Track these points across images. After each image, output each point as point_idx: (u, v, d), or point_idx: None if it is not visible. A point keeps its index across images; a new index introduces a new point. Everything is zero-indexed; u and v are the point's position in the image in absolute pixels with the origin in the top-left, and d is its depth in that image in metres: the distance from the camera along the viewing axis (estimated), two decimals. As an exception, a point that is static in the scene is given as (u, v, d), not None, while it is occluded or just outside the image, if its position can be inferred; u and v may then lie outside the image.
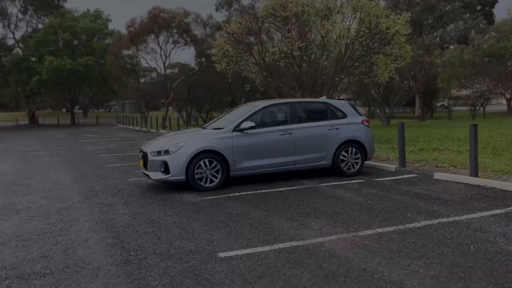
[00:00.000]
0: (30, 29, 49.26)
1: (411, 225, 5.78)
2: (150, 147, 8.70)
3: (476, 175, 8.83)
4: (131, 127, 36.92)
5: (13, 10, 48.64)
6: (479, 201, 6.99)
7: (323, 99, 10.04)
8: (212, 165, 8.36)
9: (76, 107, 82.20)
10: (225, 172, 8.49)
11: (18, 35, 49.68)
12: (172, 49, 32.73)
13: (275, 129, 8.92)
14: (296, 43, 17.25)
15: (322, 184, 8.68)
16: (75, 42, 44.70)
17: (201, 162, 8.28)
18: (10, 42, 49.24)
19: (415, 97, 37.80)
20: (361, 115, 9.87)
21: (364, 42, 18.96)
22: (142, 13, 29.86)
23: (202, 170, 8.29)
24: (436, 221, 5.91)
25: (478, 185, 8.21)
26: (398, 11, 25.33)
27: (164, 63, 33.93)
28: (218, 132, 8.66)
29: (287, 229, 5.77)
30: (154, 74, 44.17)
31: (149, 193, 8.42)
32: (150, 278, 4.29)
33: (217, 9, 43.34)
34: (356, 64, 19.13)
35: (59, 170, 11.86)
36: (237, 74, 21.78)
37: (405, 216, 6.24)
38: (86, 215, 6.81)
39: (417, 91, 36.46)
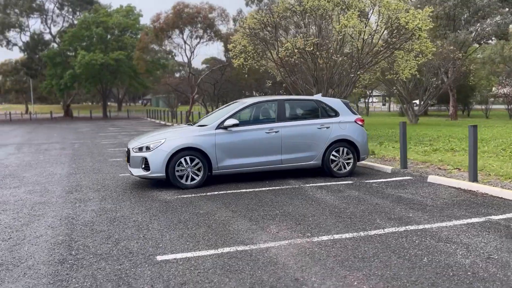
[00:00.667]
0: (66, 24, 50.64)
1: (373, 232, 5.45)
2: (133, 143, 8.64)
3: (475, 180, 8.35)
4: (158, 121, 37.34)
5: (50, 6, 49.92)
6: (462, 207, 6.55)
7: (318, 96, 9.70)
8: (194, 163, 8.22)
9: (112, 100, 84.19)
10: (207, 170, 8.32)
11: (54, 30, 51.13)
12: (197, 44, 32.85)
13: (261, 127, 8.68)
14: (309, 38, 16.86)
15: (307, 185, 8.40)
16: (108, 36, 45.60)
17: (182, 160, 8.16)
18: (47, 37, 50.79)
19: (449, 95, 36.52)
20: (355, 114, 9.49)
21: (382, 38, 18.42)
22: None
23: (183, 168, 8.17)
24: (402, 229, 5.56)
25: (470, 190, 7.74)
26: (431, 6, 24.31)
27: (189, 58, 34.08)
28: (201, 129, 8.50)
29: (243, 232, 5.56)
30: (187, 69, 44.55)
31: (131, 189, 8.37)
32: (74, 280, 4.19)
33: (247, 4, 43.25)
34: (374, 60, 18.54)
35: (60, 163, 12.02)
36: (255, 69, 21.57)
37: (373, 221, 5.90)
38: (56, 211, 6.81)
39: (449, 88, 35.22)
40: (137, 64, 35.89)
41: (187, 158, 8.18)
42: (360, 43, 17.71)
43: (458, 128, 21.78)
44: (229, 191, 7.94)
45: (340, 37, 17.55)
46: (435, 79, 29.89)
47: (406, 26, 17.12)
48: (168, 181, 8.29)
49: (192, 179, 8.24)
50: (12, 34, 49.82)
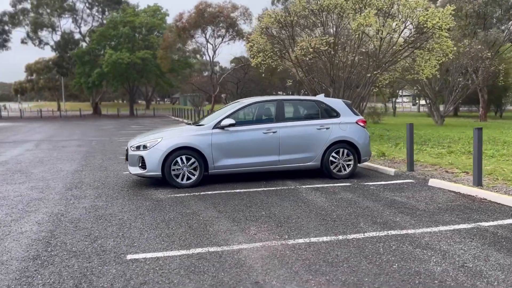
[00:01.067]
0: (96, 24, 51.69)
1: (352, 236, 5.35)
2: (132, 142, 8.74)
3: (479, 184, 8.10)
4: (181, 119, 37.71)
5: (80, 5, 51.09)
6: (454, 213, 6.35)
7: (320, 96, 9.58)
8: (190, 162, 8.25)
9: (142, 99, 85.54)
10: (204, 169, 8.34)
11: (84, 29, 52.26)
12: (220, 44, 32.98)
13: (258, 127, 8.63)
14: (324, 37, 16.68)
15: (303, 186, 8.31)
16: (136, 35, 46.33)
17: (178, 159, 8.20)
18: (77, 36, 51.97)
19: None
20: (357, 114, 9.33)
21: (401, 37, 18.06)
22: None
23: (179, 167, 8.21)
24: (383, 233, 5.43)
25: (469, 195, 7.50)
26: (452, 4, 23.67)
27: (211, 58, 34.26)
28: (198, 129, 8.52)
29: (222, 233, 5.54)
30: (217, 68, 44.90)
31: (128, 187, 8.47)
32: (39, 276, 4.26)
33: (273, 3, 43.15)
34: (392, 59, 18.18)
35: (71, 160, 12.28)
36: (273, 68, 21.51)
37: (356, 225, 5.79)
38: (48, 207, 6.95)
39: (478, 88, 34.27)
40: (161, 63, 36.28)
41: (183, 157, 8.22)
42: (378, 42, 17.40)
43: (484, 130, 21.14)
44: (223, 191, 7.93)
45: (357, 36, 17.28)
46: (461, 79, 29.11)
47: (425, 25, 16.74)
48: (165, 180, 8.35)
49: (188, 178, 8.27)
50: (44, 34, 51.22)
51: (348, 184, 8.52)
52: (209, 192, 7.86)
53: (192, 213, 6.47)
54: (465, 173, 9.60)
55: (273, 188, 8.13)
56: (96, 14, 52.20)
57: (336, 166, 8.95)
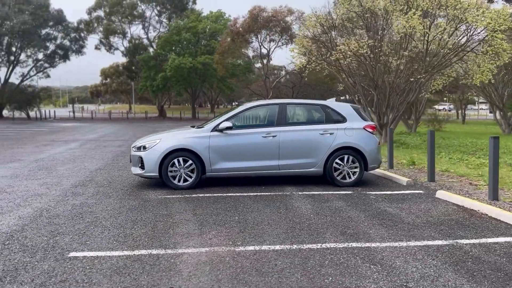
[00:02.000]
0: (164, 30, 53.67)
1: (307, 246, 5.07)
2: (135, 143, 8.92)
3: (495, 198, 7.44)
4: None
5: (149, 13, 53.33)
6: (438, 228, 5.85)
7: (329, 101, 9.24)
8: (187, 164, 8.27)
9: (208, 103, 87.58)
10: (201, 172, 8.33)
11: (152, 35, 54.50)
12: (275, 48, 32.98)
13: (257, 131, 8.48)
14: (363, 40, 16.13)
15: (299, 192, 8.04)
16: (197, 41, 47.56)
17: (175, 160, 8.25)
18: (146, 42, 54.28)
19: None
20: (365, 120, 8.88)
21: (451, 39, 17.02)
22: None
23: (176, 168, 8.26)
24: (343, 245, 5.11)
25: (471, 209, 6.87)
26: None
27: (266, 62, 34.30)
28: (197, 131, 8.52)
29: (179, 236, 5.48)
30: (283, 72, 44.99)
31: (130, 186, 8.65)
32: (-24, 267, 4.44)
33: (335, 4, 42.45)
34: (440, 63, 17.18)
35: (99, 160, 12.77)
36: (316, 72, 21.15)
37: (322, 235, 5.49)
38: (42, 203, 7.23)
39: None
40: (217, 68, 36.93)
41: (180, 159, 8.26)
42: (422, 45, 16.53)
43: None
44: (215, 194, 7.87)
45: (399, 38, 16.53)
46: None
47: (475, 26, 15.68)
48: (163, 181, 8.43)
49: (185, 180, 8.30)
50: (115, 40, 54.02)
51: (349, 192, 8.13)
52: (201, 195, 7.83)
53: (166, 215, 6.46)
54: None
55: (267, 193, 7.94)
56: (164, 20, 54.27)
57: (341, 173, 8.57)
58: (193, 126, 9.07)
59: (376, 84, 17.93)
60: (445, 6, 16.11)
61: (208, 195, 7.83)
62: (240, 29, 31.05)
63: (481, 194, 7.88)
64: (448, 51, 16.75)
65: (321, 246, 5.09)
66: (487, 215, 6.50)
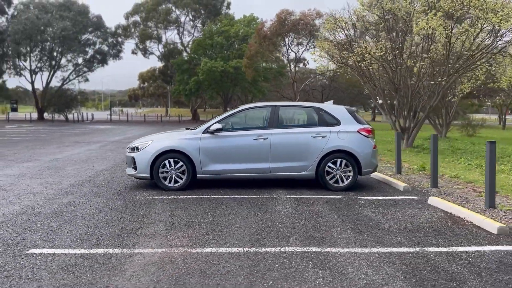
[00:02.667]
0: (198, 34, 54.36)
1: (266, 249, 4.99)
2: (131, 143, 9.05)
3: (492, 206, 7.12)
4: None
5: (183, 18, 54.17)
6: (412, 235, 5.63)
7: (325, 104, 9.07)
8: (178, 166, 8.31)
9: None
10: (192, 173, 8.35)
11: (186, 40, 55.36)
12: (303, 52, 32.79)
13: (249, 133, 8.42)
14: (380, 42, 15.79)
15: (288, 196, 7.93)
16: (229, 45, 47.88)
17: (166, 162, 8.31)
18: (180, 47, 55.15)
19: None
20: (360, 123, 8.66)
21: (475, 41, 16.42)
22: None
23: (167, 170, 8.32)
24: (303, 249, 4.99)
25: (458, 216, 6.58)
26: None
27: (294, 65, 34.14)
28: (189, 133, 8.56)
29: (143, 236, 5.50)
30: (312, 75, 44.75)
31: (125, 186, 8.78)
32: None
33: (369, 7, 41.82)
34: (463, 66, 16.57)
35: (110, 160, 13.04)
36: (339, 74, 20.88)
37: (286, 239, 5.39)
38: (32, 201, 7.43)
39: None
40: (245, 72, 37.06)
41: (171, 160, 8.31)
42: (443, 47, 16.00)
43: None
44: (203, 196, 7.88)
45: (419, 40, 16.09)
46: None
47: (498, 28, 15.06)
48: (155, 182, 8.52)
49: (176, 181, 8.34)
50: (150, 45, 55.16)
51: (339, 196, 7.95)
52: (188, 196, 7.85)
53: (143, 215, 6.52)
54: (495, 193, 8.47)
55: (254, 196, 7.87)
56: (199, 25, 54.98)
57: (333, 177, 8.40)
58: (188, 128, 9.11)
59: (397, 87, 17.51)
60: (468, 6, 15.55)
61: (195, 196, 7.85)
62: (268, 32, 31.05)
63: (479, 202, 7.54)
64: (471, 53, 16.15)
65: (279, 250, 4.99)
66: (471, 223, 6.20)
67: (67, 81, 53.75)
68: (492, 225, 5.75)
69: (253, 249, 5.02)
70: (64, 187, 8.78)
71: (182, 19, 53.47)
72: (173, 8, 53.29)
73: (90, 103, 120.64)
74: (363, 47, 16.19)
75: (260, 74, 40.63)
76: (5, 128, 32.70)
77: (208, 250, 4.98)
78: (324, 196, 7.93)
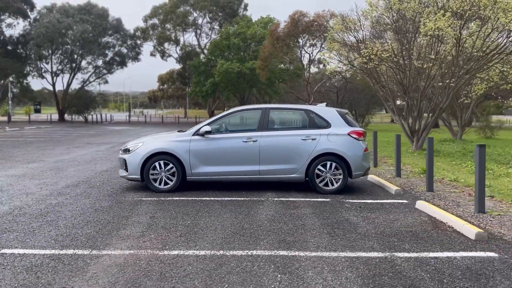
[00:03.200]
0: (215, 36, 54.65)
1: (232, 252, 4.99)
2: (124, 145, 9.15)
3: (481, 211, 7.00)
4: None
5: (200, 20, 54.57)
6: (387, 239, 5.55)
7: (320, 105, 9.02)
8: (168, 168, 8.37)
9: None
10: (181, 175, 8.40)
11: (203, 42, 55.72)
12: (317, 53, 32.61)
13: (238, 136, 8.43)
14: (386, 43, 15.60)
15: (275, 199, 7.90)
16: (250, 46, 47.97)
17: (156, 164, 8.38)
18: (198, 49, 55.55)
19: None
20: (351, 125, 8.57)
21: (485, 41, 16.07)
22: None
23: (157, 171, 8.39)
24: (270, 253, 4.97)
25: (441, 221, 6.45)
26: None
27: (308, 66, 33.99)
28: (179, 135, 8.61)
29: (116, 238, 5.56)
30: (334, 77, 44.45)
31: (118, 188, 8.87)
32: None
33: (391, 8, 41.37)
34: (473, 67, 16.22)
35: (113, 161, 13.19)
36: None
37: (259, 242, 5.38)
38: (23, 201, 7.58)
39: None
40: (259, 74, 37.06)
41: (161, 162, 8.37)
42: (452, 48, 15.71)
43: None
44: (190, 198, 7.91)
45: (424, 41, 15.84)
46: None
47: (508, 28, 14.72)
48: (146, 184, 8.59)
49: (166, 183, 8.40)
50: (168, 47, 55.76)
51: (327, 199, 7.89)
52: (176, 198, 7.90)
53: (124, 217, 6.58)
54: (490, 197, 8.32)
55: (241, 199, 7.87)
56: (216, 27, 55.29)
57: (323, 180, 8.33)
58: (180, 130, 9.16)
59: (406, 89, 17.27)
60: (477, 6, 15.23)
61: (183, 198, 7.89)
62: (281, 34, 31.01)
63: (471, 206, 7.42)
64: (481, 54, 15.81)
65: (246, 253, 4.98)
66: (452, 228, 6.08)
67: (87, 83, 54.71)
68: (470, 231, 5.62)
69: (221, 252, 5.02)
70: (58, 188, 8.93)
71: (200, 21, 53.87)
72: (191, 10, 53.70)
73: (113, 105, 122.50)
74: (370, 48, 16.02)
75: (276, 76, 40.58)
76: (24, 129, 33.45)
77: (176, 252, 5.01)
78: (312, 199, 7.88)
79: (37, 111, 67.49)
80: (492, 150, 18.45)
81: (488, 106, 32.89)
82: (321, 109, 8.72)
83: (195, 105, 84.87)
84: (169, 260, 4.74)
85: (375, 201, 7.86)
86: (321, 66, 43.73)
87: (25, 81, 54.86)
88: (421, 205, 7.30)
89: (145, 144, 8.54)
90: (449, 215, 6.48)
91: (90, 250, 5.04)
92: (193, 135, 8.45)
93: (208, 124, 8.51)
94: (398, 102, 19.22)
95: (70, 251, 5.01)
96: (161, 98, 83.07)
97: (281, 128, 8.71)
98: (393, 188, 8.64)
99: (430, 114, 17.78)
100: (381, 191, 8.82)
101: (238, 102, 53.95)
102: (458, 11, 15.22)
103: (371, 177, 10.06)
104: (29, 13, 51.80)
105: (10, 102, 57.20)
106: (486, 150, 18.80)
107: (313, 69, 40.43)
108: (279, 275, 4.32)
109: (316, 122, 8.52)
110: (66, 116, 52.93)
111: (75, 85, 55.60)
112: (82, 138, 23.99)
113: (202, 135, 8.41)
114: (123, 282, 4.15)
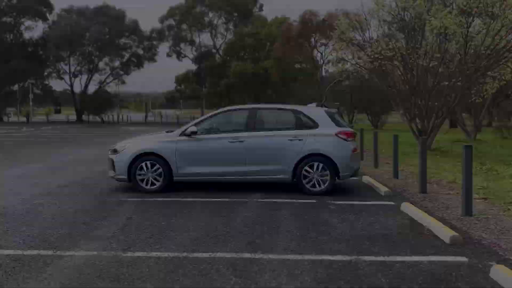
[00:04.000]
0: (231, 37, 54.68)
1: (194, 255, 4.94)
2: (113, 145, 9.17)
3: (468, 213, 6.80)
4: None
5: (215, 21, 54.65)
6: (360, 243, 5.42)
7: (311, 106, 8.91)
8: (154, 168, 8.36)
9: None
10: (168, 176, 8.37)
11: (219, 43, 55.82)
12: (330, 53, 32.36)
13: (224, 136, 8.36)
14: (390, 42, 15.35)
15: (260, 200, 7.82)
16: (264, 46, 47.93)
17: (143, 164, 8.37)
18: (213, 49, 55.68)
19: None
20: (340, 126, 8.42)
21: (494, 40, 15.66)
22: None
23: (144, 172, 8.38)
24: (233, 255, 4.90)
25: (421, 224, 6.28)
26: None
27: (321, 66, 33.79)
28: (167, 136, 8.60)
29: (88, 238, 5.56)
30: (352, 76, 44.12)
31: (108, 188, 8.90)
32: None
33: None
34: (485, 66, 15.80)
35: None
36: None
37: (226, 244, 5.32)
38: (8, 201, 7.62)
39: None
40: (271, 74, 36.98)
41: (148, 163, 8.36)
42: (459, 46, 15.36)
43: None
44: (174, 199, 7.89)
45: (430, 40, 15.53)
46: None
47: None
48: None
49: (153, 184, 8.39)
50: (183, 47, 55.98)
51: (313, 201, 7.76)
52: (160, 199, 7.88)
53: (102, 218, 6.57)
54: (483, 199, 8.10)
55: (225, 200, 7.80)
56: (231, 28, 55.32)
57: (310, 181, 8.21)
58: (168, 131, 9.14)
59: (414, 89, 16.94)
60: (484, 3, 14.85)
61: (166, 199, 7.87)
62: (292, 33, 30.87)
63: (459, 209, 7.18)
64: (489, 52, 15.41)
65: (210, 255, 4.92)
66: (431, 231, 5.90)
67: (104, 84, 55.41)
68: (446, 234, 5.45)
69: (184, 254, 4.96)
70: (50, 188, 9.00)
71: (215, 21, 53.97)
72: (207, 10, 53.86)
73: (133, 105, 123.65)
74: (375, 47, 15.79)
75: (290, 75, 40.43)
76: (40, 129, 34.04)
77: (139, 254, 4.97)
78: (297, 200, 7.76)
79: (57, 111, 68.60)
80: (504, 151, 17.98)
81: (508, 105, 32.10)
82: (309, 109, 8.61)
83: (212, 106, 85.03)
84: (129, 262, 4.70)
85: (362, 202, 7.71)
86: (339, 64, 43.52)
87: (45, 82, 55.88)
88: (405, 207, 7.12)
89: (132, 144, 8.55)
90: (429, 218, 6.30)
91: (54, 251, 5.04)
92: (180, 135, 8.42)
93: (194, 124, 8.47)
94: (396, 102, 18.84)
95: (35, 252, 5.02)
96: (178, 98, 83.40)
97: (269, 128, 8.61)
98: (382, 189, 8.47)
99: (439, 114, 17.43)
100: (371, 193, 8.65)
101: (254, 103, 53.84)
102: (465, 8, 14.87)
103: (366, 178, 9.88)
104: (48, 15, 52.76)
105: (31, 103, 58.30)
106: (498, 151, 18.32)
107: (332, 68, 40.20)
108: (234, 279, 4.24)
109: (303, 123, 8.40)
110: (84, 117, 53.68)
111: (93, 86, 56.42)
112: (92, 138, 24.28)
113: (189, 135, 8.37)
114: (75, 284, 4.13)
